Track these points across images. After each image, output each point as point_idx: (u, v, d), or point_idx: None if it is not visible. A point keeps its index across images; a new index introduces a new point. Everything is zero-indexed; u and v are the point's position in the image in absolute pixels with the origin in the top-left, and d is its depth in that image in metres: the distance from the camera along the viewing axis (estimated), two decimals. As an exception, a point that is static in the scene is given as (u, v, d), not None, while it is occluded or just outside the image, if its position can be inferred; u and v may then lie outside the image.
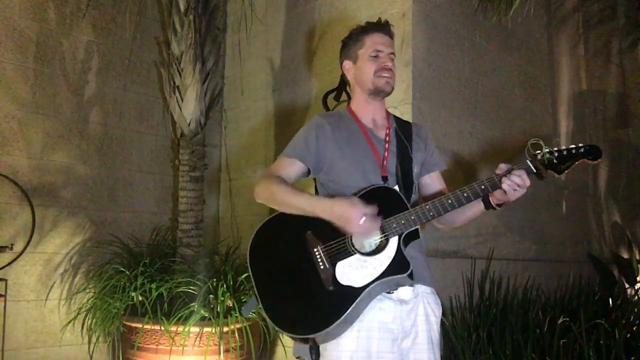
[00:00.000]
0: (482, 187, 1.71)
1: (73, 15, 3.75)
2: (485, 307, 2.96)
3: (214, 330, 2.97)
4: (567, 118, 4.60)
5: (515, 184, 1.67)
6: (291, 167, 1.88)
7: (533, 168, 1.70)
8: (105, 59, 3.88)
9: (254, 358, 3.12)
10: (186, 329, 2.93)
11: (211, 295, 3.11)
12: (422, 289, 1.82)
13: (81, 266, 3.65)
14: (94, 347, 3.32)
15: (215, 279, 3.15)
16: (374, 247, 1.71)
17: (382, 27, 1.93)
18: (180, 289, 3.11)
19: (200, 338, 2.98)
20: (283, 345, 3.43)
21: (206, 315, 3.04)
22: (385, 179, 1.82)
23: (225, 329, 3.02)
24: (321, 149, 1.87)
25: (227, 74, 4.46)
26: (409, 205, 1.76)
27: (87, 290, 3.54)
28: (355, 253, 1.70)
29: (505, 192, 1.69)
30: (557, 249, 4.33)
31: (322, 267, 1.70)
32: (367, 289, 1.66)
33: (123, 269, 3.30)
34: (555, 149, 1.70)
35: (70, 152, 3.68)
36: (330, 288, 1.68)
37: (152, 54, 4.12)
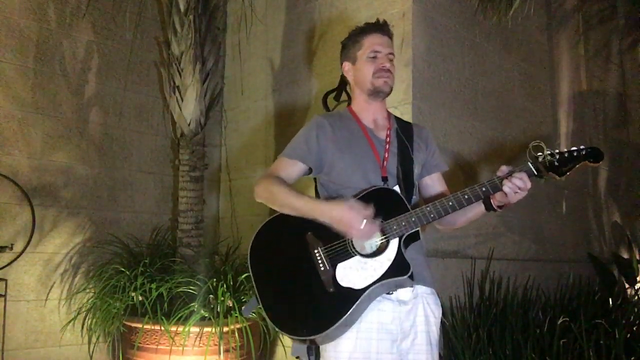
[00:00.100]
0: (483, 189, 1.71)
1: (73, 15, 3.75)
2: (485, 307, 2.96)
3: (214, 330, 2.97)
4: (567, 118, 4.60)
5: (516, 186, 1.67)
6: (292, 168, 1.88)
7: (534, 170, 1.70)
8: (105, 59, 3.88)
9: (254, 358, 3.12)
10: (186, 329, 2.93)
11: (211, 295, 3.11)
12: (422, 290, 1.82)
13: (81, 266, 3.65)
14: (94, 347, 3.33)
15: (215, 279, 3.15)
16: (374, 249, 1.71)
17: (380, 27, 1.93)
18: (180, 289, 3.11)
19: (200, 338, 2.98)
20: (283, 345, 3.43)
21: (206, 315, 3.04)
22: (385, 179, 1.82)
23: (225, 329, 3.02)
24: (322, 149, 1.87)
25: (227, 74, 4.46)
26: (409, 207, 1.76)
27: (87, 290, 3.54)
28: (355, 255, 1.70)
29: (506, 194, 1.69)
30: (557, 249, 4.33)
31: (322, 268, 1.70)
32: (367, 291, 1.66)
33: (123, 269, 3.29)
34: (557, 151, 1.69)
35: (70, 152, 3.68)
36: (331, 289, 1.68)
37: (152, 54, 4.12)
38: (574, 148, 1.70)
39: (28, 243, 3.43)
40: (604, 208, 4.99)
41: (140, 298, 3.12)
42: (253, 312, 1.84)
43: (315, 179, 1.97)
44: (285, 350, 3.42)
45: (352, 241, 1.71)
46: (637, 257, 4.88)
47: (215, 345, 2.96)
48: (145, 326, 3.00)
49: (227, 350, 3.03)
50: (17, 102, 3.48)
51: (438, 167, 2.01)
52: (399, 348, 1.74)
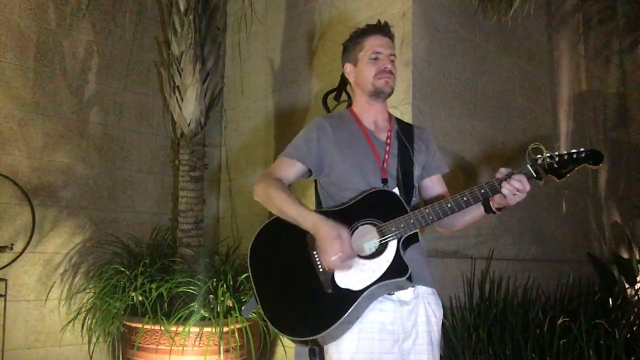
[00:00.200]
0: (482, 191, 1.71)
1: (73, 15, 3.75)
2: (485, 307, 2.96)
3: (214, 330, 2.97)
4: (567, 118, 4.60)
5: (514, 188, 1.67)
6: (291, 168, 1.88)
7: (533, 172, 1.70)
8: (105, 59, 3.88)
9: (254, 358, 3.12)
10: (186, 329, 2.93)
11: (211, 295, 3.11)
12: (423, 290, 1.82)
13: (81, 266, 3.65)
14: (94, 347, 3.33)
15: (215, 279, 3.15)
16: (373, 251, 1.71)
17: (381, 28, 1.93)
18: (180, 289, 3.11)
19: (200, 338, 2.98)
20: (283, 345, 3.43)
21: (206, 315, 3.04)
22: (385, 181, 1.82)
23: (225, 329, 3.02)
24: (322, 151, 1.87)
25: (227, 74, 4.46)
26: (408, 209, 1.75)
27: (87, 290, 3.54)
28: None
29: (504, 196, 1.69)
30: (557, 249, 4.33)
31: (321, 269, 1.70)
32: (365, 293, 1.66)
33: (123, 269, 3.30)
34: (557, 153, 1.69)
35: (70, 152, 3.68)
36: (329, 291, 1.68)
37: (152, 54, 4.12)
38: (574, 150, 1.69)
39: (28, 243, 3.43)
40: (604, 208, 4.99)
41: (140, 298, 3.12)
42: (253, 312, 1.84)
43: (315, 180, 1.97)
44: (285, 350, 3.42)
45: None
46: (637, 257, 4.89)
47: (215, 345, 2.96)
48: (145, 326, 3.00)
49: (227, 350, 3.03)
50: (17, 102, 3.48)
51: (439, 169, 2.01)
52: (401, 348, 1.74)
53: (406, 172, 1.86)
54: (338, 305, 1.65)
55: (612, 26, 5.20)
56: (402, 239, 1.71)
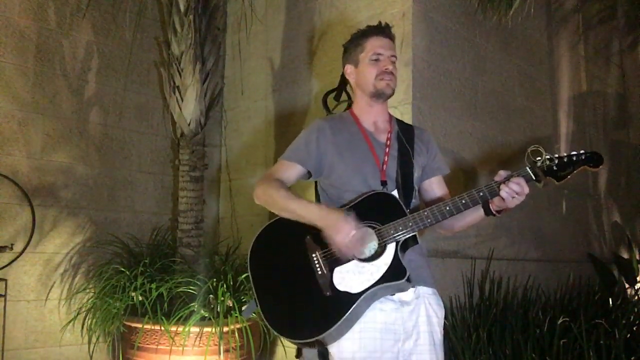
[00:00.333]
0: (480, 193, 1.71)
1: (73, 15, 3.75)
2: (485, 307, 2.96)
3: (214, 330, 2.97)
4: (567, 118, 4.60)
5: (513, 191, 1.66)
6: (291, 171, 1.89)
7: (532, 175, 1.69)
8: (105, 59, 3.88)
9: (254, 358, 3.12)
10: (186, 329, 2.93)
11: (211, 295, 3.11)
12: (424, 290, 1.82)
13: (81, 266, 3.65)
14: (94, 347, 3.32)
15: (215, 279, 3.15)
16: (372, 253, 1.71)
17: (382, 30, 1.93)
18: (180, 289, 3.11)
19: (200, 338, 2.98)
20: (283, 346, 3.43)
21: (206, 315, 3.04)
22: (384, 183, 1.82)
23: (225, 329, 3.02)
24: (322, 153, 1.87)
25: (227, 74, 4.46)
26: (407, 212, 1.75)
27: (87, 290, 3.54)
28: (353, 259, 1.70)
29: (503, 199, 1.69)
30: (557, 249, 4.33)
31: (320, 272, 1.71)
32: (364, 295, 1.66)
33: (123, 269, 3.30)
34: (556, 155, 1.68)
35: (70, 152, 3.68)
36: (328, 293, 1.68)
37: (152, 54, 4.12)
38: (574, 153, 1.68)
39: (28, 243, 3.43)
40: (604, 208, 4.99)
41: (140, 298, 3.12)
42: (253, 313, 1.85)
43: (315, 182, 1.98)
44: (285, 350, 3.42)
45: None
46: (637, 257, 4.89)
47: (215, 345, 2.97)
48: (145, 326, 3.00)
49: (227, 350, 3.03)
50: (17, 102, 3.48)
51: (439, 170, 2.01)
52: (402, 349, 1.74)
53: (406, 174, 1.86)
54: (337, 308, 1.65)
55: (612, 26, 5.21)
56: (401, 241, 1.71)
